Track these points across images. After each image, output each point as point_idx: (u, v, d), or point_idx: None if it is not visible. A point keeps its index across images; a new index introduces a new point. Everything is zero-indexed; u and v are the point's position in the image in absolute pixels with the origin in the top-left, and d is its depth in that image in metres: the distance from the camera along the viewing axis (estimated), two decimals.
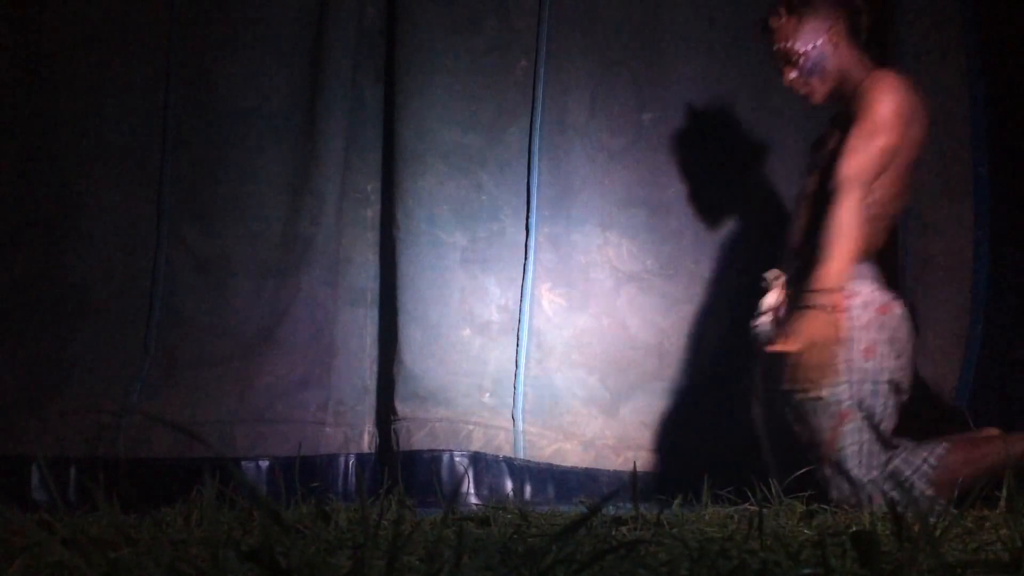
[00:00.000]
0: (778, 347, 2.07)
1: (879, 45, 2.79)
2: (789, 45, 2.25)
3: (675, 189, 2.84)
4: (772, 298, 2.31)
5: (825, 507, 1.85)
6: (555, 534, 0.87)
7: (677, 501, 1.93)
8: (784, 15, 2.28)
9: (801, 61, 2.25)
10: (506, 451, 2.64)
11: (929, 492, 2.03)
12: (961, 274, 2.67)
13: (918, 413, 2.65)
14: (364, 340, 2.75)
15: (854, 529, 1.11)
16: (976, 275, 2.65)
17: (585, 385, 2.75)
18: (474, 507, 2.34)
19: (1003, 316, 2.63)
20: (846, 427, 2.09)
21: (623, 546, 0.90)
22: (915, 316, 2.68)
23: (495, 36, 2.77)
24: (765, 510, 1.31)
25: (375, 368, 2.73)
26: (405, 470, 2.33)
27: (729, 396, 2.80)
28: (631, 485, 1.67)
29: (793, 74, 2.28)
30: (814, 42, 2.24)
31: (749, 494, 2.02)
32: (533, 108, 2.77)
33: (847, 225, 2.08)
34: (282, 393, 2.58)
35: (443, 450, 2.57)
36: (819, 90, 2.29)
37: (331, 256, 2.70)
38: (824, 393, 2.09)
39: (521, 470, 2.63)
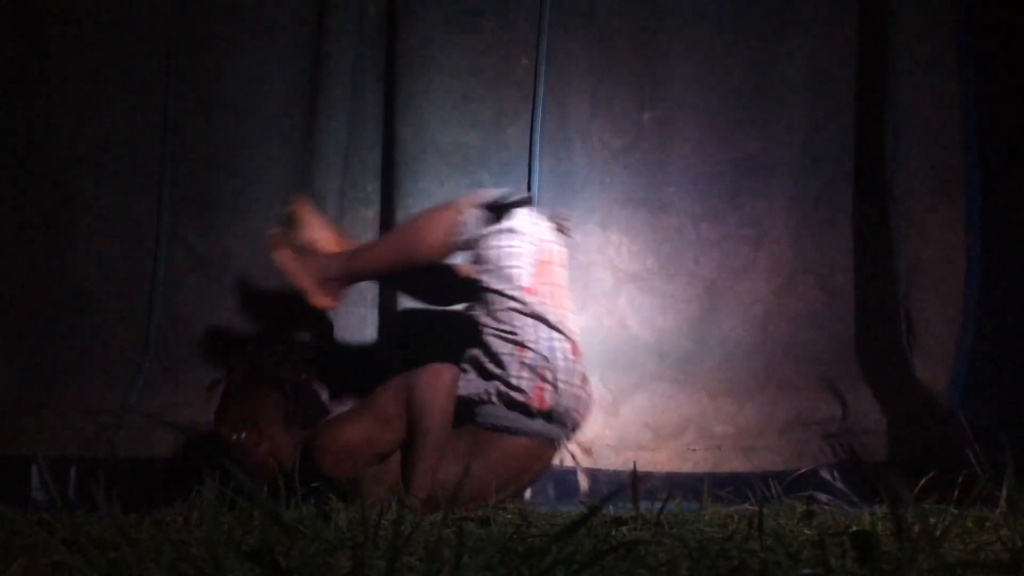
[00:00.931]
0: None
1: (873, 51, 2.80)
2: None
3: (675, 188, 2.84)
4: None
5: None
6: (555, 534, 0.87)
7: (677, 501, 1.93)
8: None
9: None
10: None
11: None
12: (953, 276, 2.68)
13: (916, 415, 2.65)
14: (364, 340, 2.75)
15: (854, 529, 1.11)
16: (968, 277, 2.66)
17: None
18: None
19: (995, 318, 2.64)
20: None
21: (623, 546, 0.90)
22: (908, 319, 2.69)
23: (495, 35, 2.77)
24: (765, 510, 1.31)
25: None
26: None
27: (730, 396, 2.80)
28: (631, 485, 1.67)
29: None
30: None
31: (749, 494, 2.02)
32: (533, 107, 2.77)
33: None
34: None
35: None
36: None
37: None
38: None
39: None
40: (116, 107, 2.65)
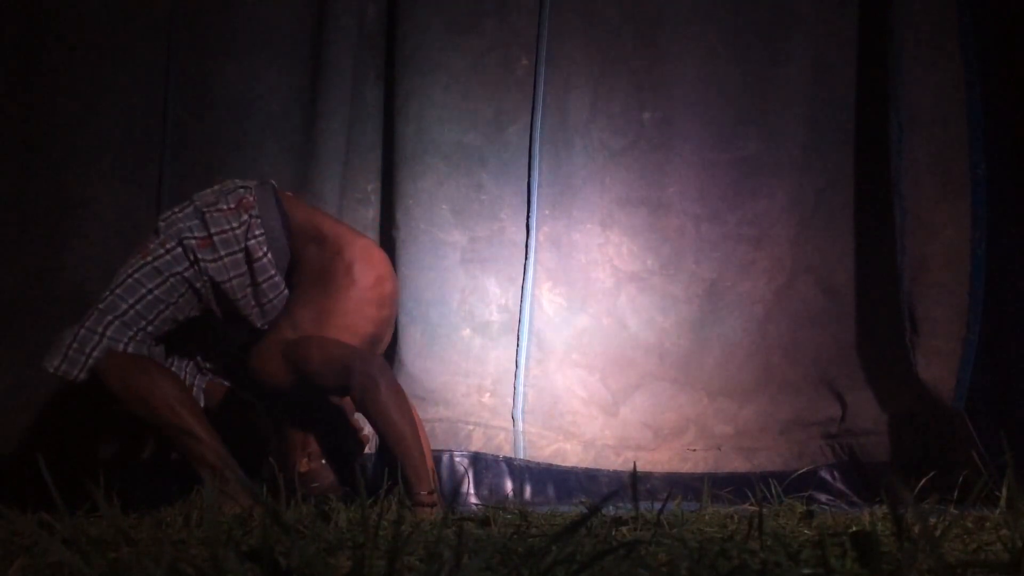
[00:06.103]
0: None
1: (878, 47, 2.80)
2: None
3: (676, 188, 2.84)
4: None
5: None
6: (555, 534, 0.87)
7: (677, 501, 1.93)
8: None
9: None
10: (506, 451, 2.64)
11: None
12: (959, 275, 2.67)
13: (917, 415, 2.65)
14: None
15: (854, 529, 1.11)
16: (973, 275, 2.65)
17: (585, 385, 2.75)
18: (474, 507, 2.34)
19: (1001, 317, 2.63)
20: None
21: (623, 546, 0.90)
22: (912, 317, 2.68)
23: (495, 36, 2.77)
24: (765, 510, 1.31)
25: None
26: None
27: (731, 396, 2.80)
28: (631, 485, 1.67)
29: None
30: None
31: (749, 494, 2.02)
32: (533, 107, 2.77)
33: None
34: None
35: (443, 450, 2.57)
36: None
37: None
38: None
39: (521, 470, 2.63)
40: (116, 107, 2.65)
